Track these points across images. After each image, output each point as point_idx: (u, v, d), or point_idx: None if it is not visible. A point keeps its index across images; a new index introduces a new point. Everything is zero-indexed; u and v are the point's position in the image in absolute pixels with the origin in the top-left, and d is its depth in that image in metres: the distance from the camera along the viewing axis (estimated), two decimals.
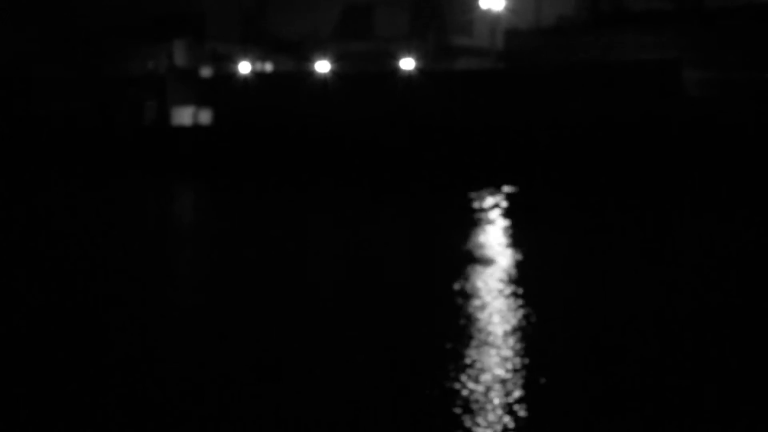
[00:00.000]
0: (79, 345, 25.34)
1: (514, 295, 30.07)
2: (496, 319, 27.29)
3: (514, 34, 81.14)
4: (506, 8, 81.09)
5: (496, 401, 19.70)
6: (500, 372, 21.41)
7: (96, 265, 37.58)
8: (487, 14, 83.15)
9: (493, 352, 23.14)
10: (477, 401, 19.98)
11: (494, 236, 43.38)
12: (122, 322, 27.16)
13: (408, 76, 76.53)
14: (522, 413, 19.34)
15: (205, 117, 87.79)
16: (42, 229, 48.65)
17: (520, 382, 21.24)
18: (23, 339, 25.89)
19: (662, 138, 64.20)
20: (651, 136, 64.55)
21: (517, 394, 20.27)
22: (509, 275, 33.60)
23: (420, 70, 78.15)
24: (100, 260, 38.68)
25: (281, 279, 34.57)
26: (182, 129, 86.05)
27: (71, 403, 20.51)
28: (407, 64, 77.97)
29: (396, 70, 78.24)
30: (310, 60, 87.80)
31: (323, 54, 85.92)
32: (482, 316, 27.75)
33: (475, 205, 55.83)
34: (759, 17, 69.91)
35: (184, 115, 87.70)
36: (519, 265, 35.58)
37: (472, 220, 48.69)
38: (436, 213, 54.60)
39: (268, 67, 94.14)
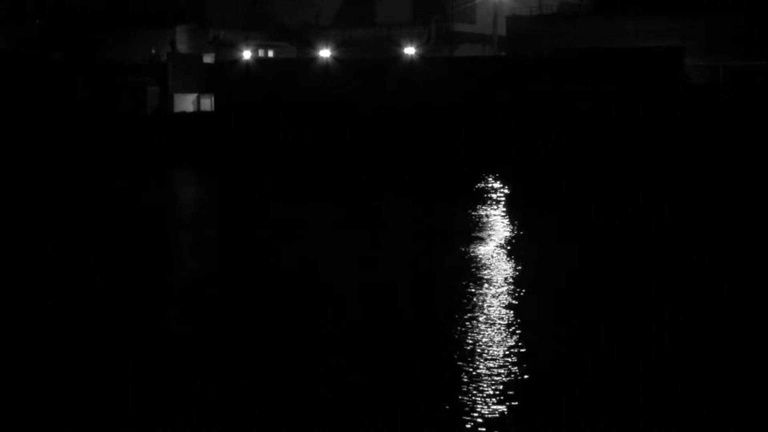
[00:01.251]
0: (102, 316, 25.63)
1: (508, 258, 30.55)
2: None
3: (516, 21, 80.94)
4: None
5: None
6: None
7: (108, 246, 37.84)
8: (489, 0, 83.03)
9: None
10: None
11: (493, 219, 43.51)
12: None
13: (410, 63, 76.46)
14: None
15: (208, 103, 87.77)
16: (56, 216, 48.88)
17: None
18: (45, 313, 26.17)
19: (665, 125, 64.21)
20: (653, 123, 64.55)
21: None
22: (505, 248, 33.95)
23: (422, 57, 78.08)
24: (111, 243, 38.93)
25: (292, 253, 34.88)
26: (185, 115, 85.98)
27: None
28: (409, 50, 77.93)
29: (398, 56, 78.19)
30: (312, 46, 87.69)
31: (325, 41, 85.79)
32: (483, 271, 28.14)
33: (476, 187, 55.91)
34: (760, 4, 69.76)
35: (186, 102, 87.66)
36: (513, 242, 35.88)
37: (473, 203, 48.80)
38: (436, 195, 54.66)
39: (271, 53, 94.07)
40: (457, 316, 25.24)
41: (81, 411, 18.68)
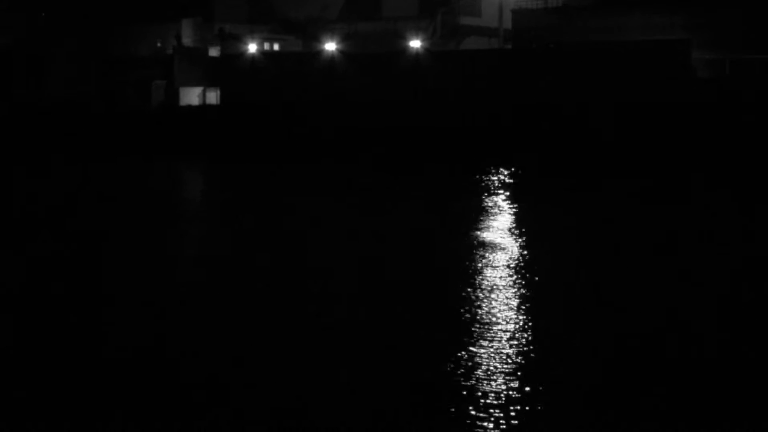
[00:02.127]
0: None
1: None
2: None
3: (521, 14, 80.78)
4: None
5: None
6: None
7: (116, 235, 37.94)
8: None
9: None
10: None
11: (499, 210, 43.49)
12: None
13: (416, 56, 76.36)
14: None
15: (213, 96, 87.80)
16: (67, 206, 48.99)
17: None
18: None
19: (670, 119, 64.10)
20: (659, 117, 64.45)
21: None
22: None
23: (428, 50, 77.96)
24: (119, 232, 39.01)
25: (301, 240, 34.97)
26: (190, 108, 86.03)
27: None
28: (415, 44, 77.81)
29: (404, 50, 78.09)
30: (318, 40, 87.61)
31: (331, 34, 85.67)
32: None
33: (480, 183, 55.91)
34: None
35: (192, 95, 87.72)
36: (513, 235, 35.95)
37: (475, 198, 48.80)
38: (440, 191, 54.68)
39: (276, 47, 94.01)
40: (465, 310, 25.24)
41: (81, 411, 18.67)
